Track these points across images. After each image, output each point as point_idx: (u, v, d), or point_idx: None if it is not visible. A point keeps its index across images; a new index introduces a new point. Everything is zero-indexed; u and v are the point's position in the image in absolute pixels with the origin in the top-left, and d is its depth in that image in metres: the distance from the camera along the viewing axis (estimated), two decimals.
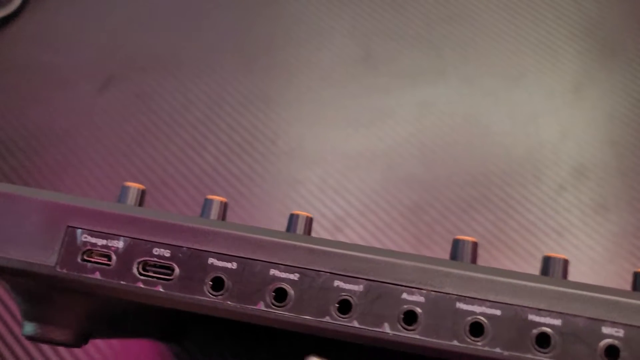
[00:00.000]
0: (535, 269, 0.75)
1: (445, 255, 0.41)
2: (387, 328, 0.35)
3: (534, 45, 1.00)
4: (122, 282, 0.36)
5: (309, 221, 0.39)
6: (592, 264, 0.81)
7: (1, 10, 0.99)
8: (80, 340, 0.42)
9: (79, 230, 0.37)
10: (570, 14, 1.03)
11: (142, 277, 0.36)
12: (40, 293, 0.39)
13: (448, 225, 0.84)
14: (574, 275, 0.78)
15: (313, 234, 0.80)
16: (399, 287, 0.35)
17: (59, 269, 0.36)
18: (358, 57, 0.99)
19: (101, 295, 0.37)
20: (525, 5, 1.04)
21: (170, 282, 0.36)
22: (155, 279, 0.36)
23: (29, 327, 0.41)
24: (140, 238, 0.36)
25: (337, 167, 0.88)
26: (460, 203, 0.86)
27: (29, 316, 0.41)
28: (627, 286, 0.38)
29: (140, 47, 1.00)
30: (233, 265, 0.36)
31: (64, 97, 0.94)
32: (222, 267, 0.36)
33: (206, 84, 0.95)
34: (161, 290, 0.36)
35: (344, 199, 0.86)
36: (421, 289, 0.35)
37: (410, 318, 0.35)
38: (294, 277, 0.35)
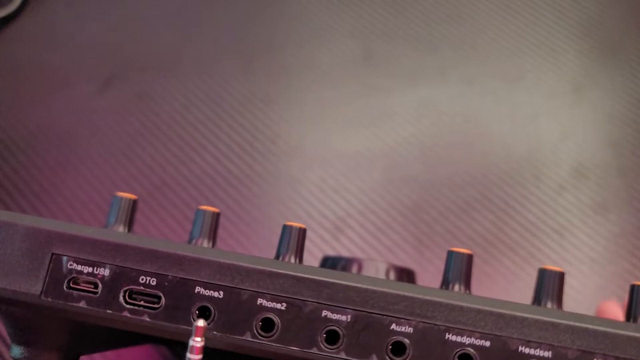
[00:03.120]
0: (534, 269, 0.75)
1: (445, 255, 0.40)
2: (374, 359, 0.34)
3: (534, 45, 1.00)
4: (108, 311, 0.35)
5: (303, 233, 0.39)
6: (592, 264, 0.81)
7: (1, 10, 0.99)
8: None
9: (64, 258, 0.36)
10: (570, 14, 1.03)
11: (128, 306, 0.35)
12: (26, 318, 0.39)
13: (448, 225, 0.84)
14: (574, 275, 0.78)
15: (314, 236, 0.81)
16: (387, 317, 0.34)
17: (43, 297, 0.36)
18: (358, 57, 0.99)
19: (88, 322, 0.37)
20: (525, 5, 1.04)
21: (156, 311, 0.35)
22: (141, 308, 0.35)
23: (17, 350, 0.40)
24: (126, 266, 0.36)
25: (337, 167, 0.88)
26: (460, 203, 0.86)
27: (16, 339, 0.40)
28: (627, 287, 0.37)
29: (140, 47, 1.00)
30: (219, 294, 0.35)
31: (64, 97, 0.94)
32: (209, 296, 0.35)
33: (206, 84, 0.95)
34: (147, 319, 0.35)
35: (344, 199, 0.86)
36: (410, 319, 0.34)
37: (398, 349, 0.34)
38: (281, 306, 0.35)
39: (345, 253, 0.82)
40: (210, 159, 0.89)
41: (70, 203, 0.84)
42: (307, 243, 0.80)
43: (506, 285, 0.80)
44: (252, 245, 0.82)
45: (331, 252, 0.82)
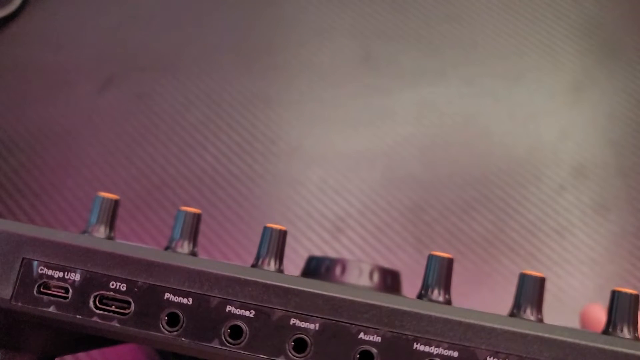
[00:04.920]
0: (535, 269, 0.75)
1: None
2: None
3: (534, 45, 1.00)
4: (78, 316, 0.35)
5: (283, 235, 0.39)
6: (592, 264, 0.81)
7: (1, 10, 0.99)
8: None
9: (35, 262, 0.36)
10: (570, 14, 1.03)
11: (98, 312, 0.35)
12: None
13: (448, 225, 0.84)
14: (574, 276, 0.78)
15: (314, 236, 0.81)
16: (355, 326, 0.34)
17: (14, 302, 0.35)
18: (358, 57, 0.99)
19: (60, 327, 0.37)
20: (525, 5, 1.04)
21: (126, 316, 0.35)
22: (111, 314, 0.35)
23: None
24: (97, 271, 0.35)
25: (337, 167, 0.88)
26: (460, 203, 0.86)
27: None
28: (627, 287, 0.37)
29: (140, 47, 1.00)
30: (189, 301, 0.35)
31: (64, 97, 0.94)
32: (178, 302, 0.35)
33: (206, 84, 0.95)
34: (117, 325, 0.35)
35: (344, 199, 0.86)
36: (378, 328, 0.34)
37: (366, 358, 0.34)
38: (250, 314, 0.34)
39: (345, 253, 0.82)
40: (210, 159, 0.89)
41: (70, 203, 0.85)
42: (307, 243, 0.81)
43: (506, 285, 0.80)
44: (252, 245, 0.82)
45: (331, 252, 0.82)
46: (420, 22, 1.02)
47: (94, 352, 0.73)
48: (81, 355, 0.73)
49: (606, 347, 0.33)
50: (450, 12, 1.03)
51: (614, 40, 1.00)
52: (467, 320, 0.34)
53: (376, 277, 0.58)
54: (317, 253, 0.81)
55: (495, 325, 0.34)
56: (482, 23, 1.02)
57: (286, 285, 0.35)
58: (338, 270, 0.58)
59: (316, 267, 0.60)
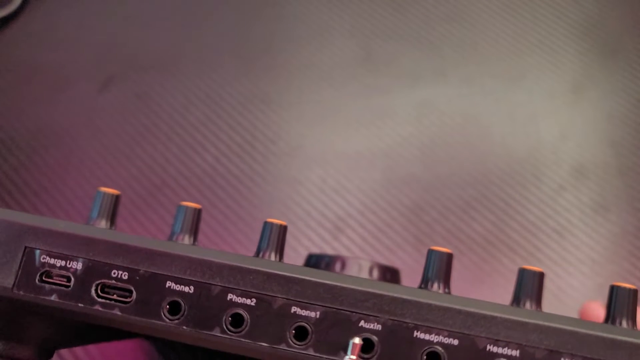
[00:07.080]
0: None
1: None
2: (342, 356, 0.34)
3: (534, 45, 1.00)
4: (79, 305, 0.36)
5: (283, 230, 0.39)
6: (592, 264, 0.81)
7: (1, 10, 0.99)
8: (43, 355, 0.42)
9: (37, 251, 0.36)
10: (570, 14, 1.03)
11: (100, 300, 0.35)
12: (0, 312, 0.39)
13: (448, 225, 0.84)
14: (574, 275, 0.78)
15: (314, 235, 0.81)
16: (356, 314, 0.34)
17: (15, 291, 0.36)
18: (358, 57, 0.99)
19: (61, 316, 0.37)
20: (525, 5, 1.04)
21: (127, 305, 0.35)
22: (112, 302, 0.35)
23: None
24: (99, 260, 0.36)
25: (337, 167, 0.88)
26: (460, 203, 0.86)
27: None
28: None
29: (140, 47, 1.00)
30: (190, 289, 0.35)
31: (64, 97, 0.94)
32: (179, 291, 0.35)
33: (206, 84, 0.95)
34: (118, 313, 0.35)
35: (344, 199, 0.86)
36: (378, 316, 0.34)
37: (366, 346, 0.34)
38: (251, 302, 0.35)
39: (345, 253, 0.82)
40: (210, 159, 0.89)
41: (71, 202, 0.85)
42: (307, 243, 0.81)
43: (506, 285, 0.79)
44: (253, 245, 0.81)
45: (331, 252, 0.82)
46: (420, 22, 1.02)
47: (94, 351, 0.73)
48: (81, 355, 0.73)
49: (605, 335, 0.33)
50: (450, 12, 1.03)
51: (614, 40, 1.00)
52: (467, 309, 0.34)
53: (375, 273, 0.58)
54: (317, 252, 0.81)
55: (495, 314, 0.34)
56: (483, 23, 1.02)
57: (287, 274, 0.35)
58: (337, 267, 0.58)
59: (315, 264, 0.60)
